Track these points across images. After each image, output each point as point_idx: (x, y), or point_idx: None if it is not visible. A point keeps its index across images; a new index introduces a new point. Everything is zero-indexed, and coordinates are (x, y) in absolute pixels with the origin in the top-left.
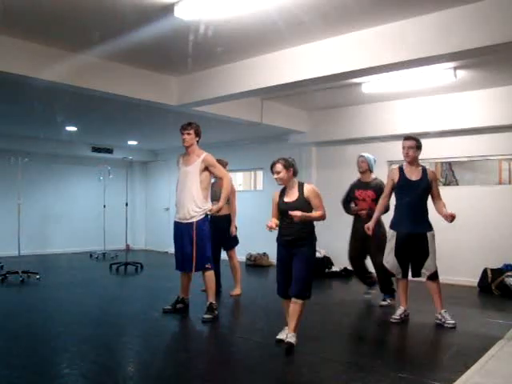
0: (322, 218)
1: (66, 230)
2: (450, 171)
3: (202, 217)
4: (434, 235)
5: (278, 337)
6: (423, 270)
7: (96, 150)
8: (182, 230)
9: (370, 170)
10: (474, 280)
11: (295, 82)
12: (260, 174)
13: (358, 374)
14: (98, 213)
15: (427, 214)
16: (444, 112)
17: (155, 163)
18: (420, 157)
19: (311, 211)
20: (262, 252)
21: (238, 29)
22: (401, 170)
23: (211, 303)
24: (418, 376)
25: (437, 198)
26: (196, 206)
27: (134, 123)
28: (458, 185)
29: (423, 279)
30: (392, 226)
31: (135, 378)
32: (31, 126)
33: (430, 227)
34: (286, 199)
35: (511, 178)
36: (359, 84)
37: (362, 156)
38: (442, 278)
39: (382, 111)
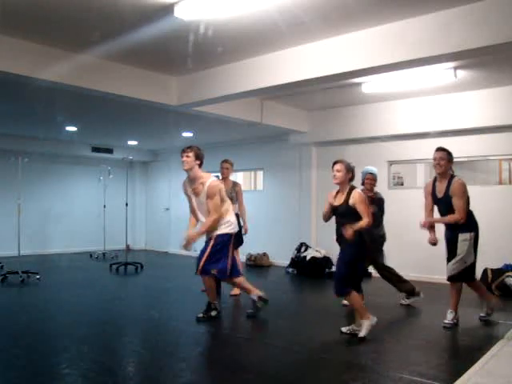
0: (368, 224)
1: (66, 230)
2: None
3: (224, 231)
4: (466, 239)
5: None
6: (447, 271)
7: (96, 149)
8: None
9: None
10: None
11: (295, 82)
12: (260, 174)
13: (358, 374)
14: (98, 213)
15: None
16: (444, 112)
17: (155, 163)
18: (420, 157)
19: (357, 216)
20: (262, 252)
21: (238, 29)
22: (433, 184)
23: (210, 303)
24: (418, 376)
25: (457, 211)
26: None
27: (134, 123)
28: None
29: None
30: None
31: (135, 378)
32: (31, 126)
33: (463, 230)
34: (336, 202)
35: (511, 178)
36: (359, 84)
37: (370, 173)
38: (443, 278)
39: (382, 111)
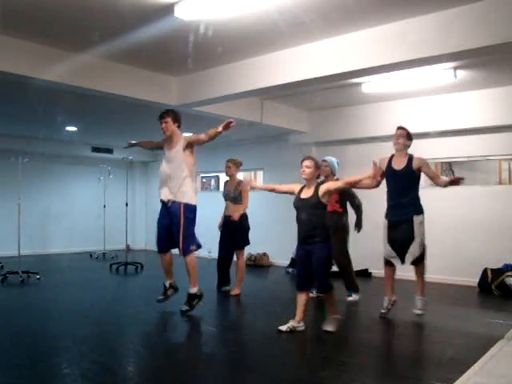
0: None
1: (66, 230)
2: (450, 171)
3: (193, 202)
4: (421, 220)
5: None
6: (407, 255)
7: (96, 150)
8: (167, 210)
9: (333, 174)
10: (474, 280)
11: (295, 82)
12: (260, 174)
13: (358, 374)
14: (98, 213)
15: (416, 199)
16: (444, 112)
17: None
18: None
19: (324, 209)
20: (262, 252)
21: (238, 29)
22: (390, 159)
23: (190, 294)
24: (418, 376)
25: (434, 180)
26: (183, 186)
27: (134, 123)
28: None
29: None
30: (384, 216)
31: (135, 378)
32: (31, 126)
33: (417, 212)
34: (302, 195)
35: (511, 178)
36: (359, 84)
37: (324, 160)
38: (442, 278)
39: (382, 111)
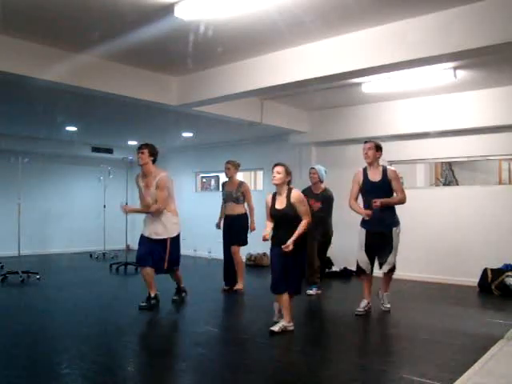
0: (307, 226)
1: (65, 229)
2: (450, 171)
3: (175, 234)
4: (398, 232)
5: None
6: (385, 265)
7: (96, 150)
8: (151, 240)
9: (321, 181)
10: (474, 280)
11: (295, 82)
12: (260, 174)
13: (358, 374)
14: (98, 213)
15: (393, 211)
16: (444, 112)
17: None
18: (420, 157)
19: (299, 217)
20: (262, 252)
21: (238, 29)
22: (364, 172)
23: (179, 286)
24: (418, 376)
25: (398, 193)
26: (165, 223)
27: (133, 123)
28: (457, 185)
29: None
30: (361, 224)
31: (135, 378)
32: (31, 126)
33: (395, 224)
34: (277, 205)
35: (511, 178)
36: (359, 84)
37: (313, 168)
38: (442, 278)
39: (382, 111)
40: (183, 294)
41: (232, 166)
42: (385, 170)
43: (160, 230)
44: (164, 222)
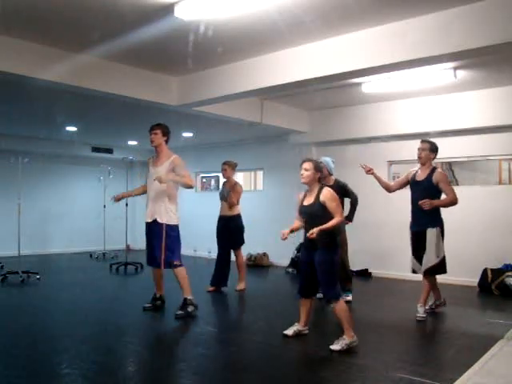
0: (338, 224)
1: (66, 230)
2: (450, 171)
3: (173, 222)
4: (435, 232)
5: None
6: (422, 266)
7: (96, 150)
8: (150, 229)
9: (330, 174)
10: (474, 280)
11: (295, 82)
12: (260, 174)
13: (358, 374)
14: (98, 213)
15: (430, 212)
16: (444, 112)
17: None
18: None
19: (328, 215)
20: (262, 252)
21: (238, 29)
22: (416, 171)
23: (185, 299)
24: (418, 376)
25: (447, 195)
26: (165, 207)
27: (133, 123)
28: (457, 185)
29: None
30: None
31: (135, 378)
32: (31, 126)
33: (432, 224)
34: (305, 202)
35: (511, 178)
36: (359, 84)
37: (320, 162)
38: (442, 278)
39: (382, 111)
40: (189, 309)
41: (229, 167)
42: (432, 171)
43: (157, 214)
44: (163, 206)
